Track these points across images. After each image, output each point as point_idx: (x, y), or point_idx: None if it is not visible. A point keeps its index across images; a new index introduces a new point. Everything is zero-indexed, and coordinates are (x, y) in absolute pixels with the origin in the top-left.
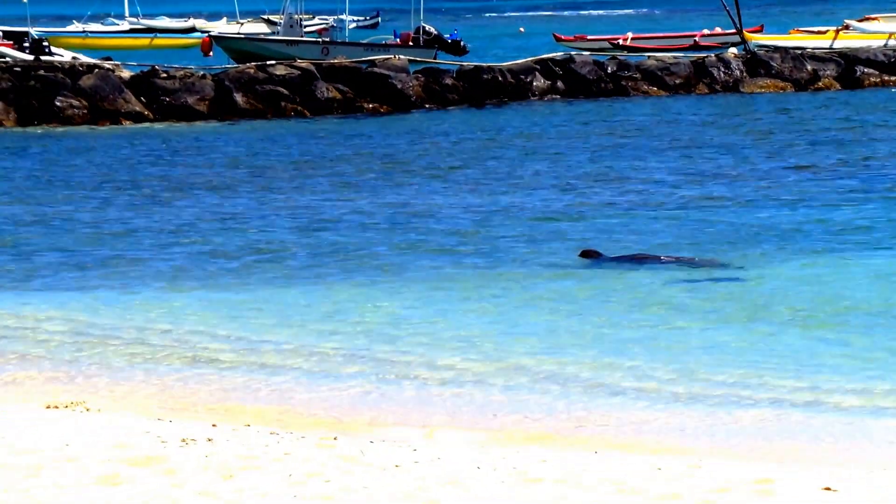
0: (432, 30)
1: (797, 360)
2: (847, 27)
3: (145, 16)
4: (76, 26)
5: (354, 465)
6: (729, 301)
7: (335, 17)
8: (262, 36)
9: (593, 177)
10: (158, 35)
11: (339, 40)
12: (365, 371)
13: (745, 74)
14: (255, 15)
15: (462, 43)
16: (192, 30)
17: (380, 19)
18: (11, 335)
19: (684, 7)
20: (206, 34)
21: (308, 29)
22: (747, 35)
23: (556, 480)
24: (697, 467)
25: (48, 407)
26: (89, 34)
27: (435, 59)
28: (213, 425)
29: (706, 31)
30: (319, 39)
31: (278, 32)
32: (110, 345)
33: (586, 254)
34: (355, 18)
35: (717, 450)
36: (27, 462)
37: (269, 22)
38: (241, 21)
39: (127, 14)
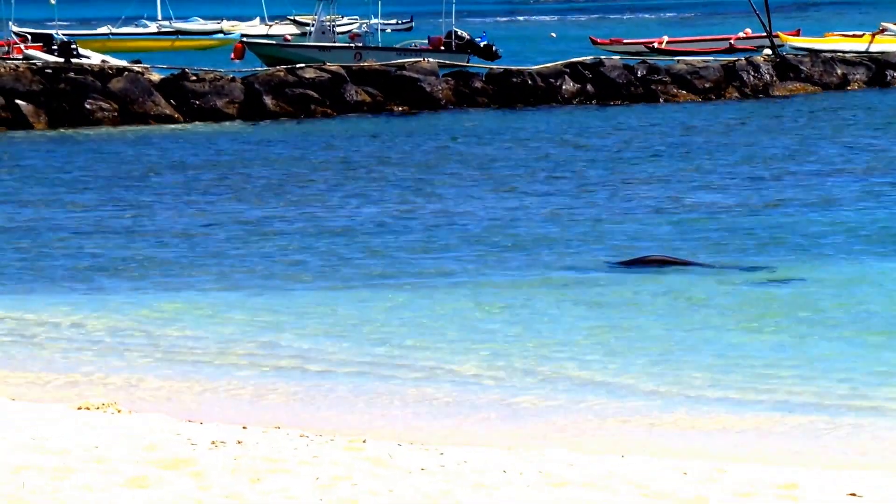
0: (464, 34)
1: (823, 364)
2: (883, 30)
3: (178, 18)
4: (106, 28)
5: (382, 469)
6: (754, 305)
7: (367, 23)
8: (294, 41)
9: (619, 181)
10: (180, 37)
11: (371, 45)
12: (391, 376)
13: (774, 78)
14: (281, 18)
15: (494, 47)
16: (219, 32)
17: (413, 24)
18: (43, 336)
19: (722, 10)
20: (238, 39)
21: (341, 30)
22: (784, 38)
23: (582, 484)
24: (722, 472)
25: (79, 408)
26: (111, 37)
27: (468, 63)
28: (244, 427)
29: (742, 35)
30: (352, 45)
31: (309, 35)
32: (142, 347)
33: (639, 261)
34: (388, 22)
35: (743, 454)
36: (57, 463)
37: (296, 23)
38: (270, 23)
39: (160, 17)
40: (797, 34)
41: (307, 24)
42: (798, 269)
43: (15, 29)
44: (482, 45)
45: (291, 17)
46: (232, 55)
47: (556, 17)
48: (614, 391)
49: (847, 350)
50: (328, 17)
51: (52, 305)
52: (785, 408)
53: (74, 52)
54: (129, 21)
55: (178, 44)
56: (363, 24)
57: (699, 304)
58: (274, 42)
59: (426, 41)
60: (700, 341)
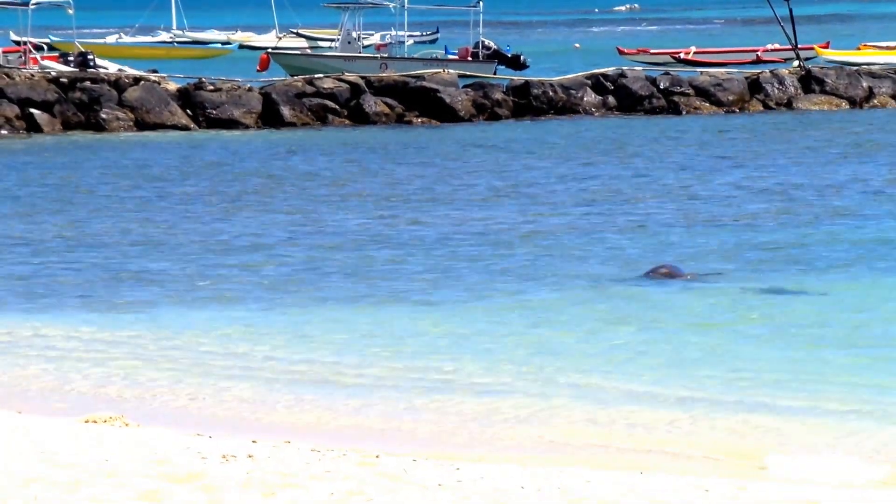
0: (492, 44)
1: (845, 377)
2: None
3: (191, 28)
4: (115, 37)
5: (397, 484)
6: (774, 317)
7: (392, 34)
8: (318, 52)
9: (639, 193)
10: (177, 45)
11: (397, 55)
12: (404, 387)
13: (799, 91)
14: (286, 28)
15: (522, 57)
16: (226, 42)
17: (439, 35)
18: (51, 349)
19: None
20: (236, 48)
21: (366, 42)
22: (818, 51)
23: (601, 501)
24: (743, 489)
25: (86, 421)
26: (108, 44)
27: (495, 74)
28: (254, 441)
29: (769, 46)
30: (378, 55)
31: (335, 48)
32: (150, 360)
33: (666, 271)
34: (412, 34)
35: (764, 471)
36: (67, 477)
37: (304, 37)
38: (280, 35)
39: (174, 27)
40: (826, 46)
41: (316, 39)
42: (817, 281)
43: (14, 37)
44: (510, 55)
45: (295, 31)
46: (258, 66)
47: (579, 28)
48: (632, 405)
49: (870, 363)
50: (355, 28)
51: (58, 318)
52: (806, 423)
53: (91, 63)
54: (143, 30)
55: (174, 52)
56: (386, 34)
57: (717, 317)
58: (299, 52)
59: (444, 51)
60: (719, 355)
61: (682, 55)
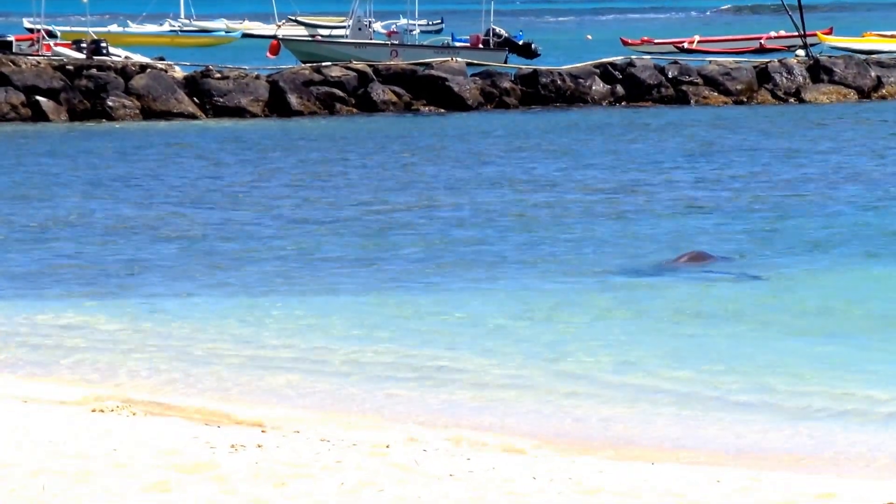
0: (503, 32)
1: (863, 370)
2: None
3: (199, 16)
4: (114, 25)
5: (408, 475)
6: (783, 308)
7: (398, 23)
8: (330, 38)
9: (642, 183)
10: (180, 34)
11: (408, 42)
12: (415, 377)
13: (807, 81)
14: (284, 16)
15: (533, 46)
16: (228, 31)
17: (444, 25)
18: (59, 337)
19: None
20: (239, 37)
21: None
22: (821, 37)
23: (614, 492)
24: (757, 480)
25: (94, 411)
26: (113, 33)
27: (506, 62)
28: (263, 431)
29: (772, 34)
30: (388, 42)
31: (346, 35)
32: (157, 348)
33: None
34: (419, 23)
35: (777, 462)
36: (76, 467)
37: (304, 24)
38: (280, 23)
39: (182, 15)
40: (829, 33)
41: (315, 26)
42: (833, 273)
43: (28, 24)
44: (521, 43)
45: (294, 18)
46: (268, 52)
47: (587, 18)
48: (642, 397)
49: (886, 355)
50: (365, 15)
51: (64, 306)
52: (819, 414)
53: (104, 52)
54: (151, 18)
55: (178, 40)
56: (392, 23)
57: (726, 308)
58: (310, 38)
59: (451, 40)
60: (729, 346)
61: (685, 44)
